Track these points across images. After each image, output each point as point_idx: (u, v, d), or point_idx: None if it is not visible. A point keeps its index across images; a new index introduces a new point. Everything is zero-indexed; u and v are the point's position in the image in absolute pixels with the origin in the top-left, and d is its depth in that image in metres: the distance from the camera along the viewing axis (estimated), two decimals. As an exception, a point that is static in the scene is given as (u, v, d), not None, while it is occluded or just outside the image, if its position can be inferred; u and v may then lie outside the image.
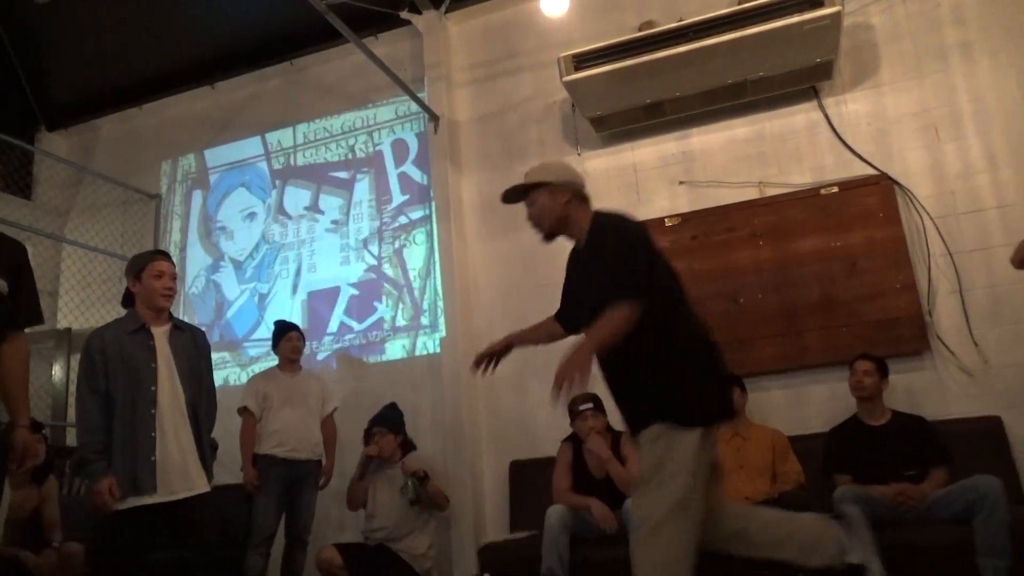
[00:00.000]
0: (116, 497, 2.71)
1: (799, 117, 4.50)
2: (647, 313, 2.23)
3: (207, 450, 2.99)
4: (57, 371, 5.83)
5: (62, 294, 5.97)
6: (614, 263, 2.32)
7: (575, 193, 2.56)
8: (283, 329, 4.51)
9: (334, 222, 5.52)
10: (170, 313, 3.07)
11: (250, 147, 5.96)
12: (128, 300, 3.03)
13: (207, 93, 6.09)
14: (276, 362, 4.51)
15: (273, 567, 4.17)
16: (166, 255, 3.08)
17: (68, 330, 5.90)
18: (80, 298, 5.86)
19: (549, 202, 2.55)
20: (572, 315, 2.63)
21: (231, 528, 3.96)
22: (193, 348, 3.05)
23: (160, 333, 2.97)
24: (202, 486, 2.92)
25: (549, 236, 2.61)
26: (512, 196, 2.64)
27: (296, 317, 5.31)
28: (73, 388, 5.75)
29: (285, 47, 5.77)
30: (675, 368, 2.28)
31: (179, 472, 2.85)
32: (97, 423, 2.80)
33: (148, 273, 2.96)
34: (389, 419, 4.29)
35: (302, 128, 5.80)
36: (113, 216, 6.10)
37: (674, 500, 2.17)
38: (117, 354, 2.85)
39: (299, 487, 4.16)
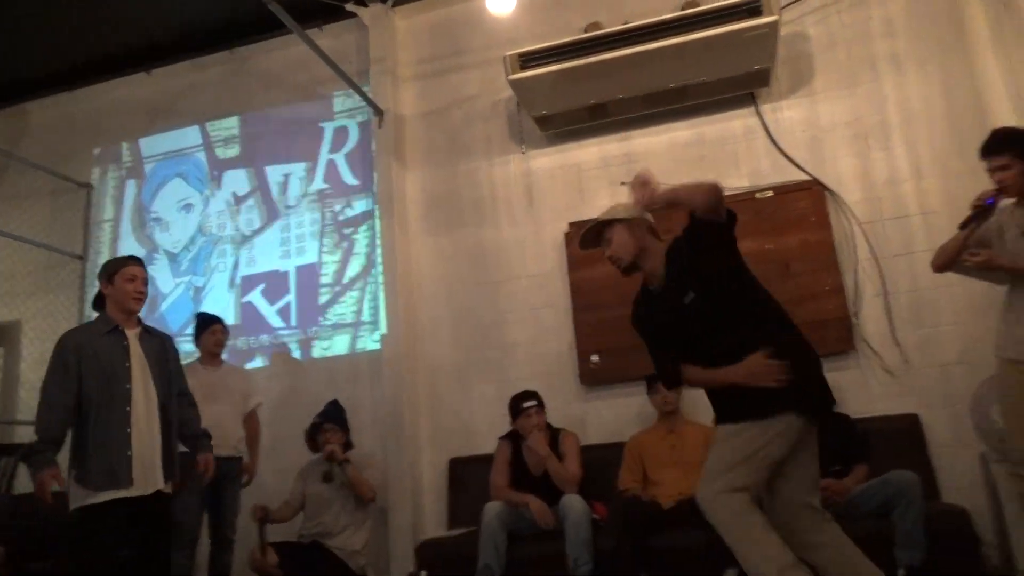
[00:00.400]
0: (59, 484, 2.81)
1: (737, 122, 4.61)
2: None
3: (173, 450, 3.10)
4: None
5: (-16, 284, 5.75)
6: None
7: (649, 227, 2.64)
8: (206, 322, 4.39)
9: (272, 214, 5.43)
10: (139, 318, 3.18)
11: (188, 137, 5.82)
12: (99, 303, 3.15)
13: (143, 80, 5.91)
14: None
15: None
16: (139, 261, 3.20)
17: (-9, 322, 5.68)
18: (5, 289, 5.65)
19: (628, 237, 2.59)
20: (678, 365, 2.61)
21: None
22: (162, 351, 3.18)
23: (132, 335, 3.09)
24: (165, 486, 3.04)
25: (628, 270, 2.63)
26: (589, 240, 2.70)
27: (232, 311, 5.22)
28: (-3, 381, 5.57)
29: (226, 35, 5.63)
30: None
31: (151, 469, 2.96)
32: (58, 419, 2.89)
33: (121, 277, 3.08)
34: (337, 417, 4.22)
35: (243, 119, 5.69)
36: (41, 205, 5.88)
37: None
38: (92, 355, 2.96)
39: (221, 485, 4.01)
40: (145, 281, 3.14)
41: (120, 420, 2.93)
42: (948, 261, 3.15)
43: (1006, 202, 3.05)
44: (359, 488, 4.00)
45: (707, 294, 2.44)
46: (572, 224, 4.66)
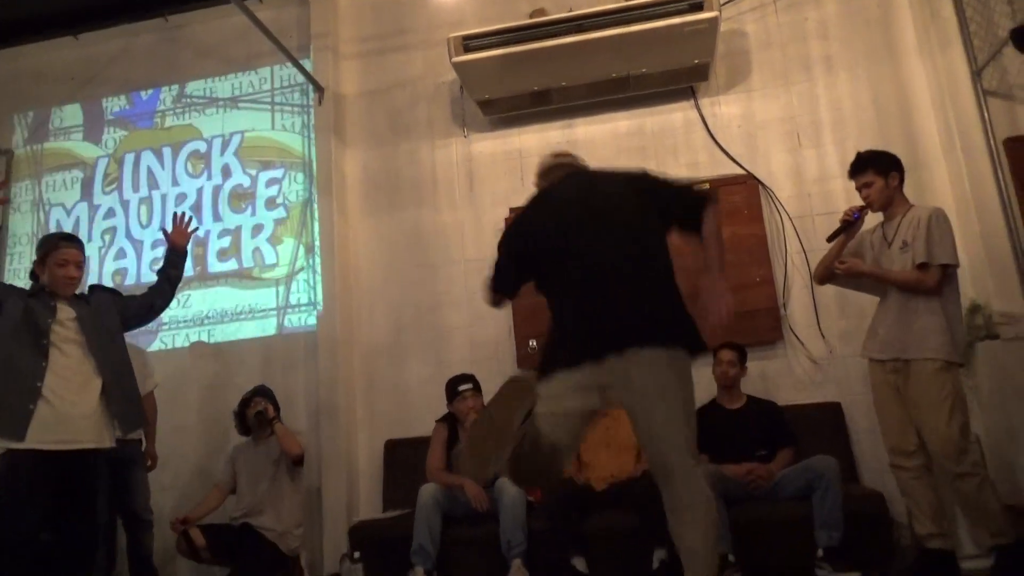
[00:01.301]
0: None
1: (677, 115, 4.70)
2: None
3: (121, 405, 3.07)
4: None
5: None
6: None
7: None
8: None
9: (199, 190, 5.28)
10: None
11: (115, 105, 5.60)
12: (34, 276, 3.14)
13: (70, 43, 5.64)
14: None
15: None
16: (73, 240, 3.15)
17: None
18: (-86, 259, 5.34)
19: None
20: None
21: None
22: (99, 307, 3.14)
23: (62, 299, 3.07)
24: (96, 442, 2.98)
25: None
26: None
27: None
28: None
29: (160, 1, 5.42)
30: None
31: (64, 425, 2.89)
32: None
33: (53, 260, 3.04)
34: (267, 392, 4.14)
35: (175, 89, 5.51)
36: (-45, 171, 5.57)
37: None
38: (17, 304, 2.94)
39: (125, 469, 3.86)
40: (79, 264, 3.09)
41: (35, 372, 2.88)
42: (824, 273, 3.44)
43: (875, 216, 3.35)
44: (287, 443, 3.93)
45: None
46: (512, 210, 4.67)
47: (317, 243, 4.89)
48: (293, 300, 4.99)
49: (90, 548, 2.99)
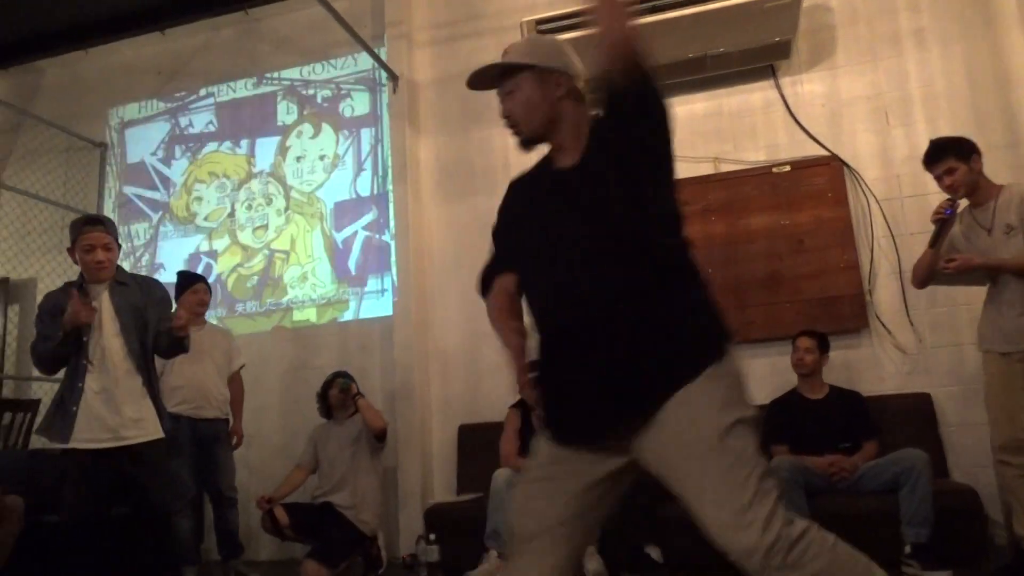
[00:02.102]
0: (91, 314, 2.87)
1: (756, 95, 4.55)
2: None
3: (160, 399, 3.10)
4: (-7, 322, 5.66)
5: (0, 242, 5.77)
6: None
7: (570, 87, 1.78)
8: (188, 280, 4.28)
9: (275, 177, 5.42)
10: (119, 267, 3.13)
11: (198, 98, 5.80)
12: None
13: (157, 39, 5.87)
14: None
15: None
16: (99, 223, 3.05)
17: (6, 280, 5.71)
18: (18, 247, 5.67)
19: (536, 94, 1.76)
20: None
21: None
22: (139, 297, 3.07)
23: (100, 288, 3.02)
24: (142, 435, 2.98)
25: (529, 142, 1.81)
26: (482, 80, 1.86)
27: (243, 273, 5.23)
28: (11, 339, 5.62)
29: (241, -5, 5.59)
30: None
31: (108, 423, 2.92)
32: (47, 347, 2.95)
33: (79, 247, 3.00)
34: (348, 376, 4.21)
35: (253, 80, 5.66)
36: (55, 163, 5.88)
37: None
38: (62, 313, 2.91)
39: (212, 446, 4.02)
40: (106, 247, 3.00)
41: (78, 372, 2.93)
42: (926, 276, 3.20)
43: (963, 205, 3.13)
44: (371, 415, 4.03)
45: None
46: (586, 195, 4.63)
47: (392, 230, 4.96)
48: (370, 287, 5.09)
49: (159, 524, 3.08)
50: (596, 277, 1.58)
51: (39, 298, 5.65)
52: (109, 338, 2.98)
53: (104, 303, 3.00)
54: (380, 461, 4.17)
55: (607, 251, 1.59)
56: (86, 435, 2.90)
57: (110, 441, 2.93)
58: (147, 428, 3.00)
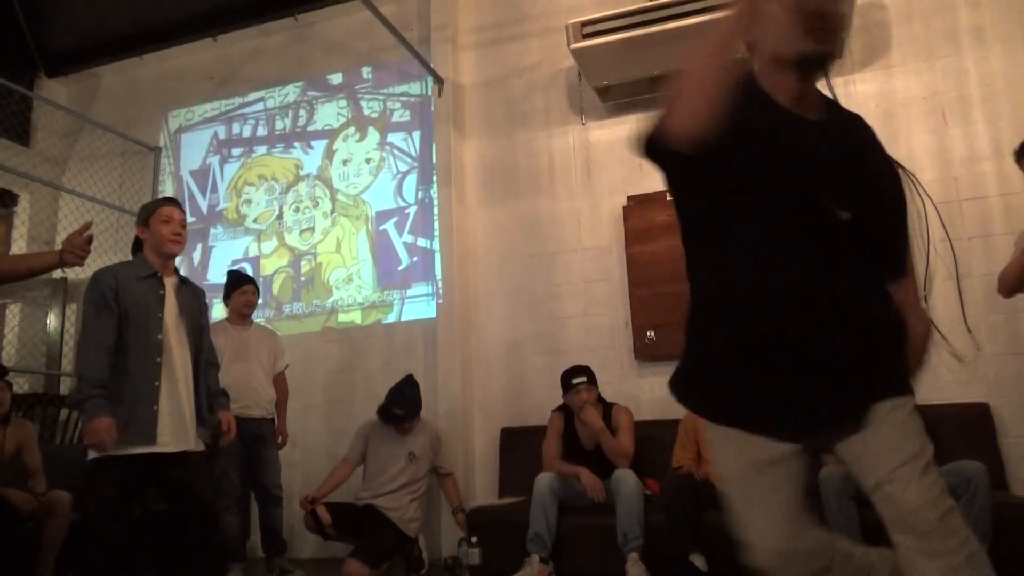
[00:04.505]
0: (113, 437, 2.62)
1: (807, 95, 4.45)
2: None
3: (204, 408, 2.97)
4: (52, 320, 5.84)
5: (58, 243, 5.94)
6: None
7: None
8: (237, 281, 4.32)
9: (322, 180, 5.49)
10: (176, 268, 3.04)
11: (250, 103, 5.92)
12: (137, 248, 3.00)
13: (209, 45, 6.01)
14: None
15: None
16: (175, 202, 3.03)
17: (64, 280, 5.89)
18: (76, 248, 5.83)
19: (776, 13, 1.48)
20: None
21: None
22: (196, 303, 3.03)
23: (169, 284, 2.94)
24: (198, 444, 2.89)
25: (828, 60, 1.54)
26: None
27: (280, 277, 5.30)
28: (68, 338, 5.78)
29: (290, 1, 5.67)
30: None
31: (177, 426, 2.80)
32: (102, 360, 2.71)
33: (156, 219, 2.91)
34: (412, 404, 4.16)
35: (301, 84, 5.75)
36: (112, 167, 6.05)
37: None
38: (128, 296, 2.79)
39: (257, 445, 4.06)
40: (183, 223, 2.95)
41: (149, 372, 2.77)
42: (1017, 283, 2.95)
43: None
44: (451, 497, 4.27)
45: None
46: (630, 198, 4.59)
47: (437, 233, 4.98)
48: (414, 289, 5.12)
49: (209, 524, 2.92)
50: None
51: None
52: (174, 335, 2.88)
53: (170, 299, 2.90)
54: (428, 479, 4.19)
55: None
56: (166, 438, 2.76)
57: (177, 446, 2.79)
58: (193, 439, 2.89)
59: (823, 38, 1.48)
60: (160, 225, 2.90)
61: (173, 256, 2.97)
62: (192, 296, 3.03)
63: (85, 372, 2.70)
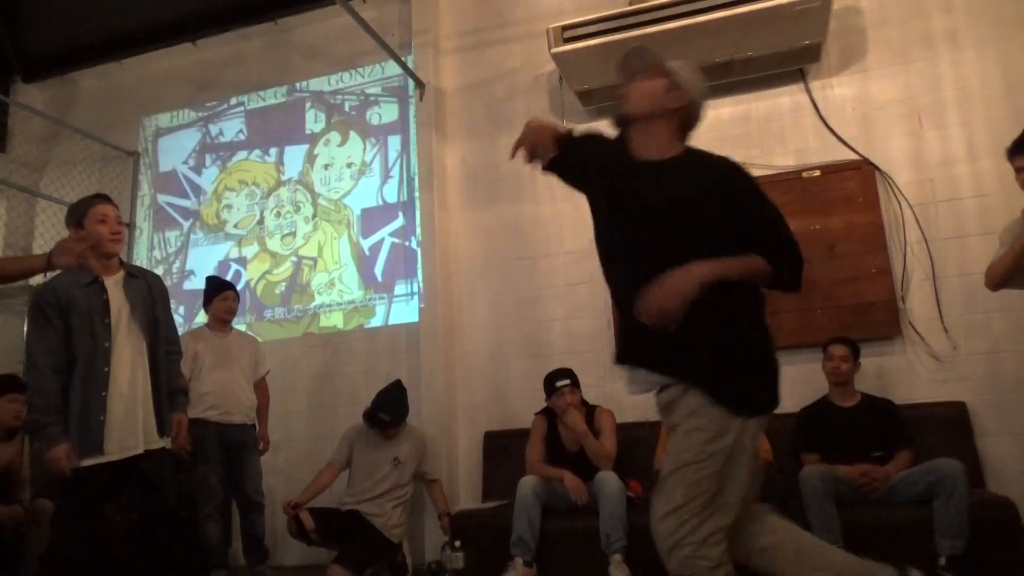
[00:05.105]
0: (72, 462, 2.63)
1: (785, 99, 4.50)
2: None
3: (164, 403, 2.90)
4: (29, 327, 5.76)
5: (35, 249, 5.88)
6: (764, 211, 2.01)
7: (688, 112, 2.15)
8: (217, 287, 4.29)
9: (303, 185, 5.47)
10: (121, 260, 2.93)
11: (227, 107, 5.88)
12: None
13: (189, 50, 5.97)
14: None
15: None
16: (107, 198, 2.91)
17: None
18: (55, 254, 5.77)
19: (662, 96, 2.12)
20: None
21: (187, 487, 3.88)
22: (148, 295, 2.92)
23: (113, 283, 2.84)
24: (158, 442, 2.85)
25: (626, 122, 2.20)
26: (633, 61, 2.24)
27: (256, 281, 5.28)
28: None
29: (270, 6, 5.65)
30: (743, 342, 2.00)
31: (132, 430, 2.76)
32: (51, 384, 2.68)
33: (91, 219, 2.80)
34: (399, 409, 4.15)
35: (282, 89, 5.73)
36: (90, 172, 5.99)
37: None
38: (72, 307, 2.72)
39: (239, 452, 4.05)
40: (118, 220, 2.87)
41: (97, 382, 2.71)
42: (1007, 276, 2.99)
43: None
44: (437, 502, 4.23)
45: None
46: (613, 201, 4.61)
47: (419, 237, 4.98)
48: (396, 294, 5.11)
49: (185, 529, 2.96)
50: None
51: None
52: (124, 338, 2.79)
53: (116, 299, 2.81)
54: (412, 484, 4.18)
55: None
56: (118, 445, 2.73)
57: (135, 449, 2.77)
58: (153, 437, 2.85)
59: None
60: (96, 225, 2.80)
61: (114, 255, 2.87)
62: (143, 287, 2.92)
63: (37, 400, 2.68)
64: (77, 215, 2.84)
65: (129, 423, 2.77)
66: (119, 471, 2.74)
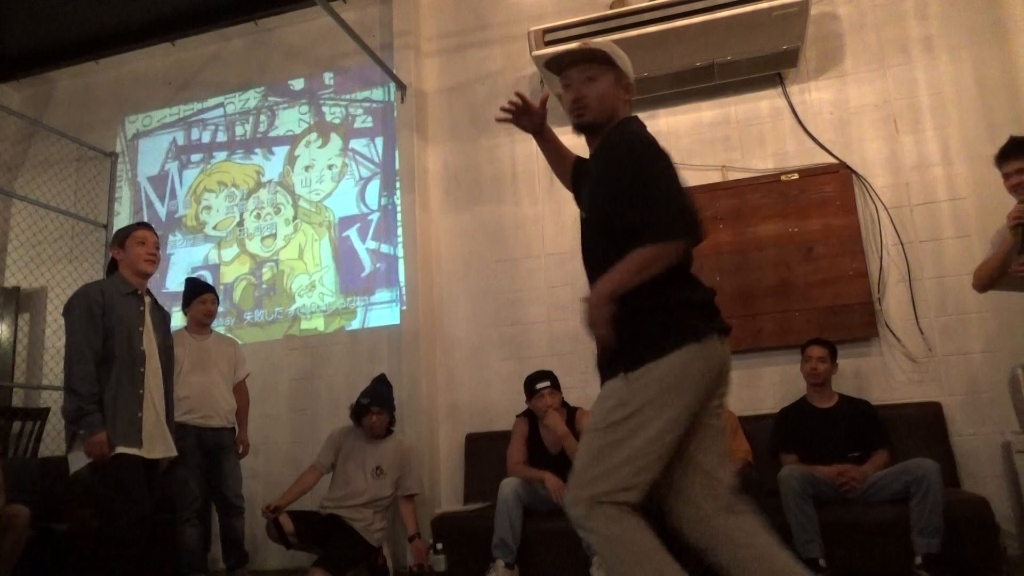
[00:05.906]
0: (110, 450, 2.87)
1: (764, 103, 4.55)
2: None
3: (173, 421, 3.21)
4: (4, 330, 5.69)
5: (11, 251, 5.81)
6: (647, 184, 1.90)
7: (630, 96, 2.09)
8: (196, 290, 4.25)
9: (284, 186, 5.44)
10: (148, 289, 3.23)
11: (209, 108, 5.84)
12: (112, 270, 3.21)
13: (167, 50, 5.92)
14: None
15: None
16: (148, 226, 3.26)
17: (16, 289, 5.75)
18: (29, 256, 5.71)
19: (612, 90, 2.04)
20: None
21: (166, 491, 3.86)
22: (163, 323, 3.27)
23: (147, 301, 3.18)
24: (172, 451, 3.14)
25: (587, 128, 2.08)
26: (564, 60, 2.07)
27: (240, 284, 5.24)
28: (21, 348, 5.65)
29: (250, 6, 5.62)
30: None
31: (156, 433, 3.04)
32: (93, 374, 2.92)
33: (132, 241, 3.14)
34: (386, 399, 4.14)
35: (262, 90, 5.70)
36: (66, 173, 5.93)
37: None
38: (113, 311, 3.02)
39: (219, 455, 4.02)
40: (156, 245, 3.21)
41: (134, 380, 3.00)
42: (993, 279, 3.06)
43: None
44: (408, 522, 4.10)
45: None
46: (594, 203, 4.63)
47: (400, 239, 4.97)
48: (377, 296, 5.09)
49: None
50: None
51: (49, 307, 5.74)
52: (151, 349, 3.11)
53: (147, 316, 3.14)
54: (395, 492, 4.15)
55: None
56: (147, 445, 2.99)
57: (157, 453, 3.05)
58: (170, 446, 3.15)
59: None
60: (136, 246, 3.14)
61: (148, 275, 3.20)
62: (161, 318, 3.27)
63: (79, 387, 2.89)
64: (120, 237, 3.20)
65: (156, 427, 3.05)
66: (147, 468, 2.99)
